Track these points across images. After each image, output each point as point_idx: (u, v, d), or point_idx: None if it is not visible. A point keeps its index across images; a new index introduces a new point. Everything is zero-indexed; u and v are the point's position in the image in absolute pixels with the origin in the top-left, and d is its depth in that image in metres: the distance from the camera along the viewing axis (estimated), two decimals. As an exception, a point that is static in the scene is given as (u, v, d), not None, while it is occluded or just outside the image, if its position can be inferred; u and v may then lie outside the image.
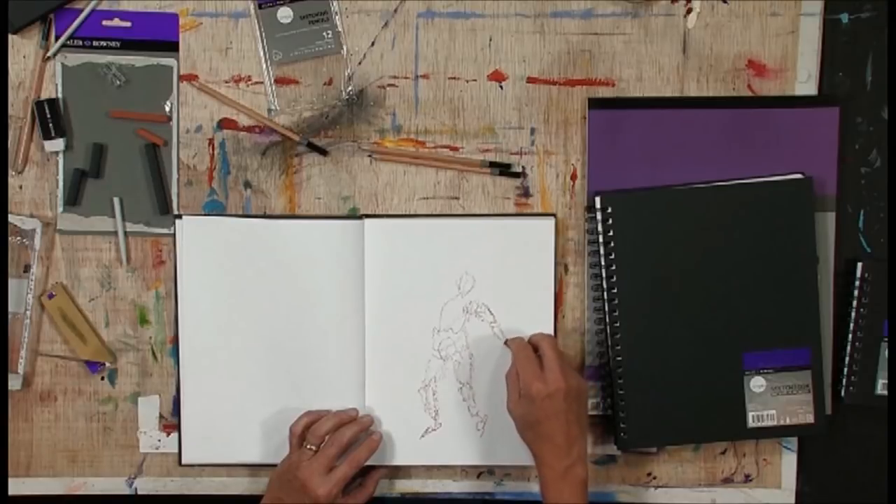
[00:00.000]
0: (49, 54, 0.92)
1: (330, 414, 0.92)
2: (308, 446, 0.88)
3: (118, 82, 0.93)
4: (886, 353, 0.93)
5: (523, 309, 0.90)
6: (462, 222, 0.93)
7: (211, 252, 0.93)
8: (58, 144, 0.92)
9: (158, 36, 0.93)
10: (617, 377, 0.92)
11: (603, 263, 0.92)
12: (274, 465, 0.91)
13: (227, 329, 0.93)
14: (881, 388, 0.93)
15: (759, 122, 0.92)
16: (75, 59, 0.93)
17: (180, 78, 0.93)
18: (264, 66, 0.93)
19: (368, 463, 0.91)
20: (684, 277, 0.91)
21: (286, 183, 0.94)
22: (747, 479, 0.96)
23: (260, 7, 0.92)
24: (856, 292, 0.93)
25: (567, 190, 0.94)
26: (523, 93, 0.93)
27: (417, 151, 0.94)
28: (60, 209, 0.94)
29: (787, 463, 0.96)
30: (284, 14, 0.92)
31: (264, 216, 0.94)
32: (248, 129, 0.94)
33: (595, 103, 0.93)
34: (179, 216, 0.93)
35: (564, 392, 0.84)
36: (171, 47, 0.93)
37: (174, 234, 0.93)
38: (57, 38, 0.92)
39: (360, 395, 0.94)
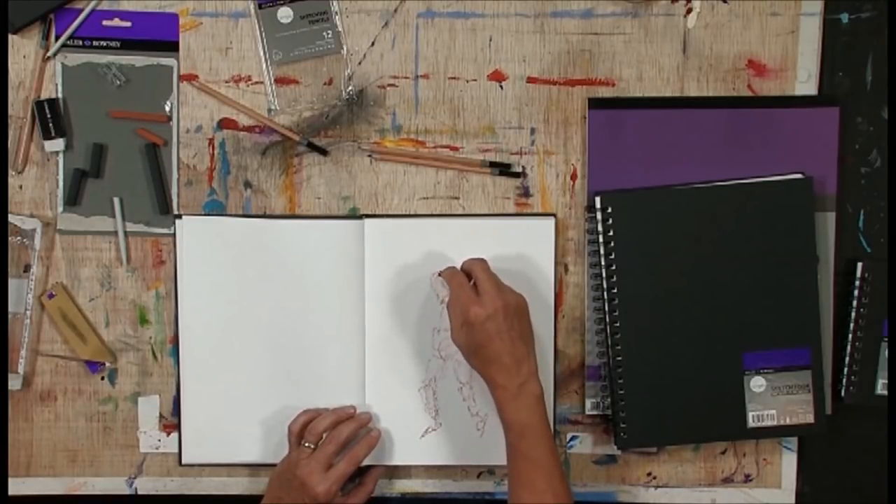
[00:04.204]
0: (49, 54, 0.92)
1: (327, 411, 0.92)
2: (306, 444, 0.88)
3: (118, 82, 0.93)
4: (886, 353, 0.93)
5: (523, 309, 0.90)
6: (462, 222, 0.93)
7: (211, 252, 0.93)
8: (58, 144, 0.92)
9: (158, 36, 0.93)
10: (617, 377, 0.92)
11: (603, 263, 0.92)
12: (274, 465, 0.91)
13: (227, 329, 0.93)
14: (881, 388, 0.93)
15: (759, 122, 0.92)
16: (75, 59, 0.93)
17: (180, 78, 0.93)
18: (264, 66, 0.93)
19: (368, 462, 0.91)
20: (684, 277, 0.91)
21: (286, 183, 0.94)
22: (747, 479, 0.96)
23: (260, 7, 0.92)
24: (856, 292, 0.93)
25: (567, 190, 0.94)
26: (523, 93, 0.93)
27: (417, 151, 0.94)
28: (60, 209, 0.94)
29: (787, 463, 0.96)
30: (284, 14, 0.92)
31: (264, 216, 0.94)
32: (248, 129, 0.94)
33: (595, 103, 0.93)
34: (179, 216, 0.93)
35: (503, 311, 0.83)
36: (171, 47, 0.93)
37: (174, 234, 0.93)
38: (57, 38, 0.92)
39: (361, 395, 0.94)
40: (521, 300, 0.86)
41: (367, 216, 0.93)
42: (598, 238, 0.92)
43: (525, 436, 0.82)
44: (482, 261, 0.89)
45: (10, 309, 0.93)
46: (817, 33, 0.93)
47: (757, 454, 0.96)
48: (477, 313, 0.83)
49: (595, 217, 0.92)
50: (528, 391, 0.83)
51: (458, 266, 0.91)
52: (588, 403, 0.95)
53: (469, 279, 0.88)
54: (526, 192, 0.94)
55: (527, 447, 0.82)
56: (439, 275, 0.91)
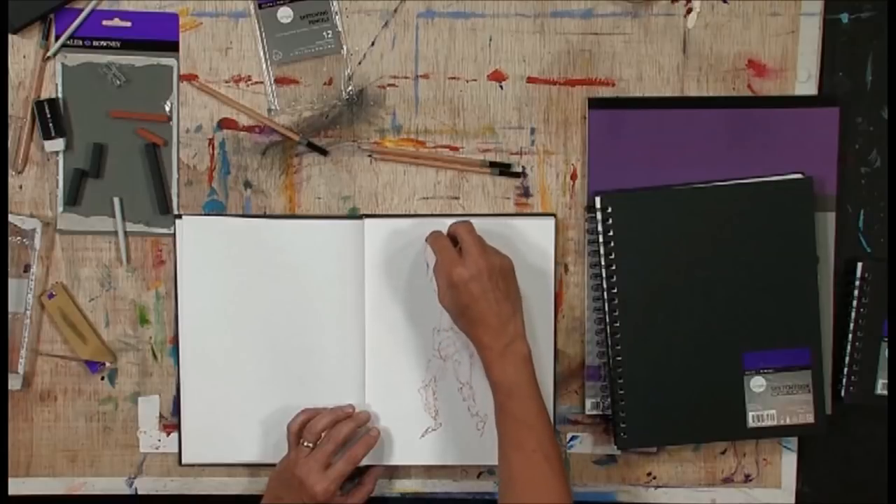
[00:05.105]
0: (49, 54, 0.92)
1: (326, 411, 0.92)
2: (305, 444, 0.88)
3: (118, 82, 0.93)
4: (886, 353, 0.93)
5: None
6: (462, 222, 0.93)
7: (211, 252, 0.93)
8: (58, 144, 0.92)
9: (158, 36, 0.93)
10: (617, 377, 0.92)
11: (603, 263, 0.92)
12: (274, 465, 0.91)
13: (227, 329, 0.93)
14: (881, 388, 0.93)
15: (759, 122, 0.92)
16: (75, 58, 0.93)
17: (180, 78, 0.93)
18: (264, 65, 0.93)
19: (368, 462, 0.91)
20: (684, 277, 0.91)
21: (286, 183, 0.94)
22: (747, 479, 0.96)
23: (260, 7, 0.92)
24: (856, 292, 0.93)
25: (567, 190, 0.94)
26: (523, 93, 0.93)
27: (417, 151, 0.94)
28: (60, 209, 0.94)
29: (787, 463, 0.96)
30: (284, 14, 0.92)
31: (264, 216, 0.94)
32: (248, 129, 0.94)
33: (595, 103, 0.93)
34: (179, 216, 0.93)
35: (487, 271, 0.83)
36: (171, 47, 0.93)
37: (174, 234, 0.93)
38: (57, 37, 0.92)
39: (360, 395, 0.94)
40: (507, 261, 0.86)
41: (367, 216, 0.93)
42: (598, 238, 0.92)
43: (512, 395, 0.82)
44: (467, 223, 0.88)
45: (10, 309, 0.93)
46: (817, 33, 0.93)
47: (757, 454, 0.96)
48: (460, 274, 0.83)
49: (595, 217, 0.92)
50: (515, 351, 0.83)
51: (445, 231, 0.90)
52: (588, 403, 0.95)
53: (455, 244, 0.87)
54: (526, 192, 0.94)
55: (514, 407, 0.82)
56: (425, 240, 0.91)
